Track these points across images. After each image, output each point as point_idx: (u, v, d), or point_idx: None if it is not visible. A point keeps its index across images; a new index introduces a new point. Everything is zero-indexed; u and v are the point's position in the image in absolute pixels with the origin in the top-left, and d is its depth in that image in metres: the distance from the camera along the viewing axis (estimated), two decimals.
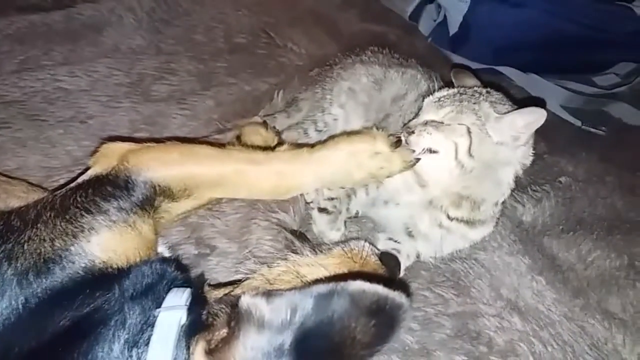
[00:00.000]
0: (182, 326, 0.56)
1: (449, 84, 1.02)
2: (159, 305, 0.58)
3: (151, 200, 0.71)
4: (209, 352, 0.52)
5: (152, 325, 0.55)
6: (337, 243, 0.83)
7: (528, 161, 0.90)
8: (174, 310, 0.57)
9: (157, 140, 0.80)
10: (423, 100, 0.94)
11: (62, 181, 0.95)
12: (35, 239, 0.60)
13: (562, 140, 1.45)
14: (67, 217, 0.63)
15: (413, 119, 0.93)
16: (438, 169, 0.87)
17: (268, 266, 0.72)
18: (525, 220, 1.14)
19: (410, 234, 0.92)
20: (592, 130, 1.54)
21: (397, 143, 0.85)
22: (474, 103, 0.87)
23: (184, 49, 1.37)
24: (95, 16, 1.35)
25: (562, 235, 1.10)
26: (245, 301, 0.50)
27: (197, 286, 0.68)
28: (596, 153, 1.42)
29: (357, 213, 0.97)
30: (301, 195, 0.98)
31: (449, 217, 0.89)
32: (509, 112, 0.85)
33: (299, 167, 0.82)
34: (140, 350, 0.54)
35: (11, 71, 1.16)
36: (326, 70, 1.23)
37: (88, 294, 0.57)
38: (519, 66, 1.61)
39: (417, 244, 0.92)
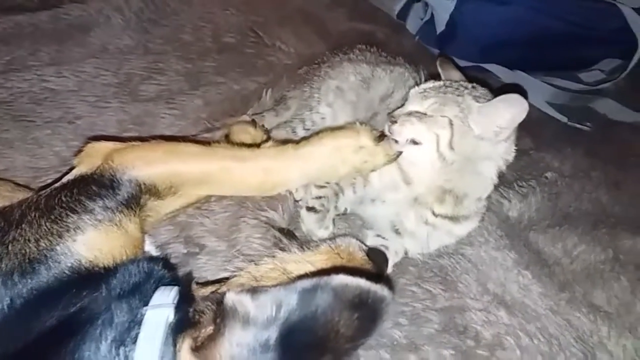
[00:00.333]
0: (170, 324, 0.56)
1: (436, 79, 1.02)
2: (146, 304, 0.58)
3: (137, 199, 0.71)
4: (195, 349, 0.52)
5: (140, 323, 0.55)
6: (324, 240, 0.83)
7: (510, 157, 0.91)
8: (161, 308, 0.57)
9: (144, 140, 0.80)
10: None
11: (50, 182, 0.95)
12: (20, 239, 0.60)
13: (547, 136, 1.47)
14: (52, 217, 0.63)
15: (397, 108, 0.94)
16: (420, 161, 0.87)
17: (255, 264, 0.72)
18: (511, 215, 1.14)
19: (397, 231, 0.93)
20: (578, 126, 1.55)
21: (381, 137, 0.85)
22: (458, 95, 0.87)
23: (172, 48, 1.37)
24: (82, 16, 1.34)
25: (548, 230, 1.11)
26: (231, 298, 0.50)
27: (185, 284, 0.68)
28: (582, 148, 1.43)
29: (345, 211, 0.98)
30: (290, 193, 0.98)
31: (434, 213, 0.90)
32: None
33: (285, 163, 0.82)
34: (127, 349, 0.54)
35: None
36: (314, 69, 1.24)
37: (74, 293, 0.57)
38: (506, 63, 1.61)
39: (404, 240, 0.93)
